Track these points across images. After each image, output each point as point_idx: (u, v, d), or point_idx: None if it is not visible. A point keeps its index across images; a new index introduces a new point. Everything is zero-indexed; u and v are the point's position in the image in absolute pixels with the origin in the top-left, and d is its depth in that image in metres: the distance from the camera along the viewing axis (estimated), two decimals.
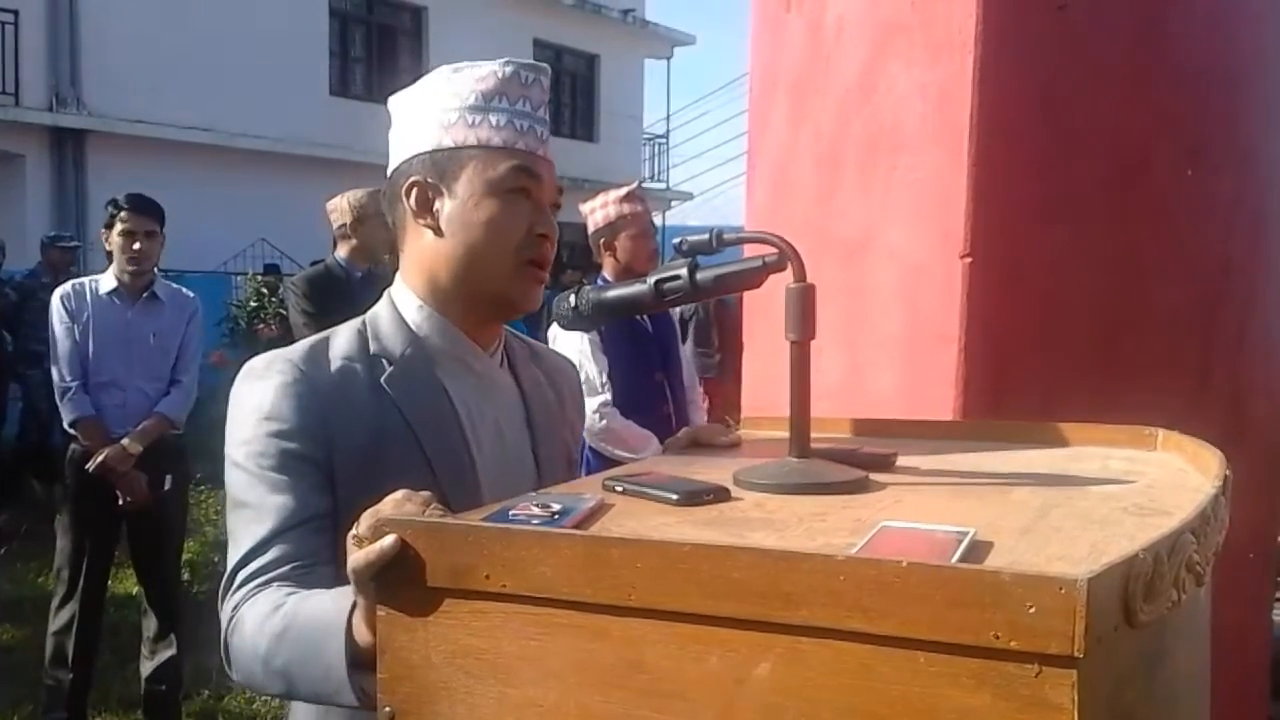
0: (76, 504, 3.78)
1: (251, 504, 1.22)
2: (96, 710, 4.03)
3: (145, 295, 3.88)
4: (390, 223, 1.39)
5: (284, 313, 9.13)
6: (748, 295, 2.05)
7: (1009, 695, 0.68)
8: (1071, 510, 0.98)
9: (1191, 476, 1.15)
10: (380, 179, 1.46)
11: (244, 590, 1.18)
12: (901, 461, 1.23)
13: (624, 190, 3.72)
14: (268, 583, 1.18)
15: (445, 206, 1.31)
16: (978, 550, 0.82)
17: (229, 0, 14.49)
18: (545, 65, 1.37)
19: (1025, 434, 1.42)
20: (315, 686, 1.08)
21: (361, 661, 1.01)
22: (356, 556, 0.91)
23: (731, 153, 24.43)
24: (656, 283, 1.27)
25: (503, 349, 1.42)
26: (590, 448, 3.55)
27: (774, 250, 1.17)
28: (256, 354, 1.34)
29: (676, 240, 1.25)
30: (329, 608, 1.07)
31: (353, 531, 0.95)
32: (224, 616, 1.20)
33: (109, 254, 3.88)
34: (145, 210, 3.85)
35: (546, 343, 3.66)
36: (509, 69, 1.32)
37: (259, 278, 10.84)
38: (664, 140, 24.32)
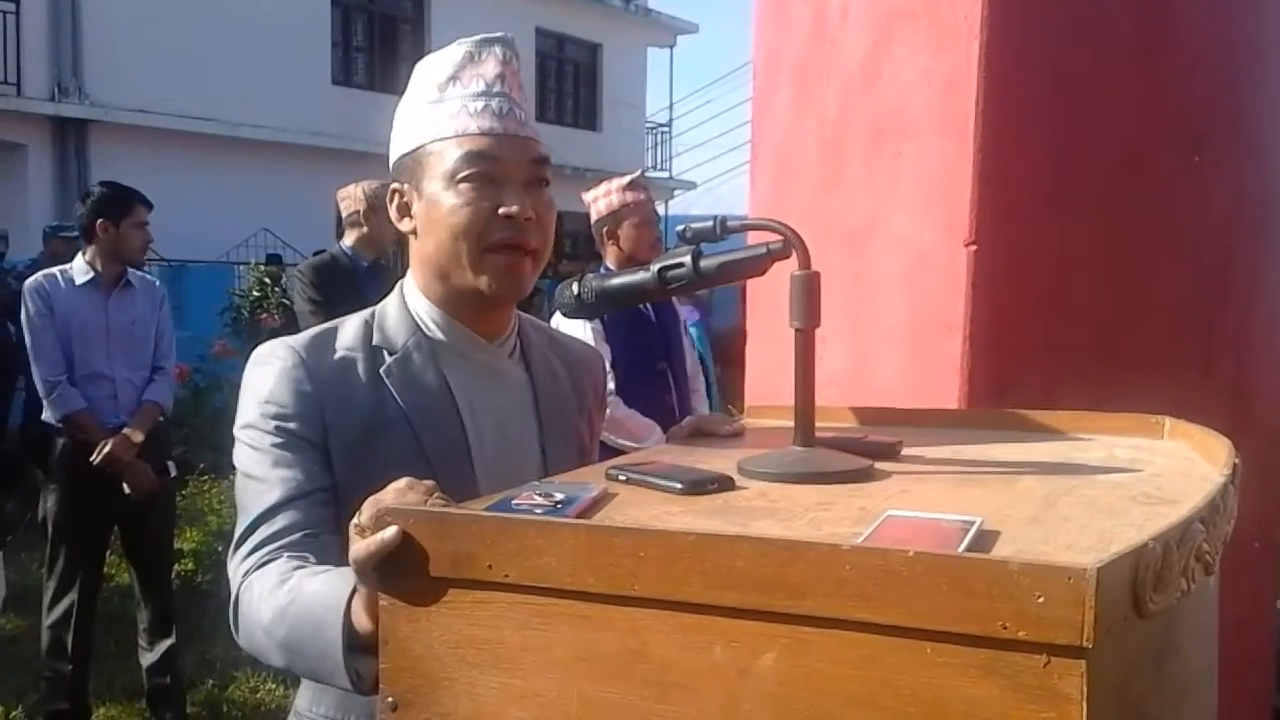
0: (70, 498, 3.73)
1: (258, 476, 1.25)
2: (100, 701, 4.03)
3: (120, 285, 3.86)
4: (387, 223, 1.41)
5: (286, 302, 9.13)
6: (751, 284, 2.04)
7: (1017, 686, 0.67)
8: (1078, 499, 0.97)
9: (1199, 465, 1.14)
10: (382, 168, 1.46)
11: (255, 556, 1.20)
12: (906, 450, 1.22)
13: (627, 178, 3.71)
14: (279, 549, 1.19)
15: (419, 210, 1.31)
16: (985, 539, 0.81)
17: None
18: (503, 35, 1.32)
19: (1031, 422, 1.41)
20: (313, 665, 1.09)
21: (358, 646, 1.02)
22: (358, 547, 0.90)
23: (734, 141, 24.42)
24: (660, 270, 1.26)
25: (516, 339, 1.41)
26: None
27: (778, 237, 1.16)
28: (259, 344, 1.35)
29: (680, 227, 1.24)
30: (331, 589, 1.07)
31: (355, 520, 0.94)
32: (234, 579, 1.21)
33: (86, 243, 3.82)
34: (147, 201, 3.89)
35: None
36: (460, 51, 1.30)
37: (261, 267, 10.83)
38: (667, 129, 24.29)
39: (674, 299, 3.79)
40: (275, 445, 1.25)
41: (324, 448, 1.25)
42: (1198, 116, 2.11)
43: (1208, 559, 0.80)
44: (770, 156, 2.41)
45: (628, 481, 1.09)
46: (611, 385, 3.46)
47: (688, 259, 1.24)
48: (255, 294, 9.93)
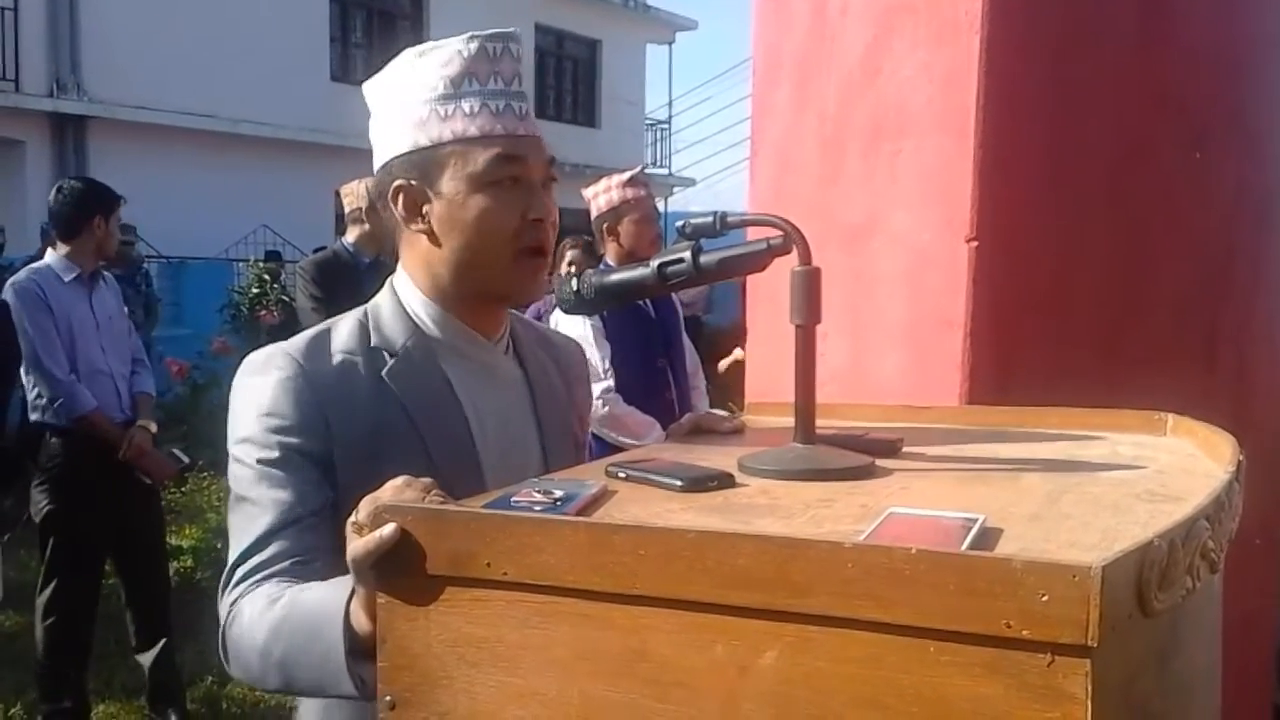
0: (66, 496, 3.70)
1: (251, 499, 1.21)
2: (99, 698, 4.03)
3: (97, 280, 3.86)
4: (385, 223, 1.36)
5: (285, 299, 9.13)
6: (751, 280, 2.04)
7: (1021, 685, 0.67)
8: (1082, 496, 0.97)
9: (1203, 462, 1.13)
10: None
11: (242, 586, 1.18)
12: (907, 447, 1.22)
13: (627, 174, 3.70)
14: (266, 578, 1.17)
15: (434, 209, 1.28)
16: (988, 537, 0.80)
17: None
18: (513, 30, 1.31)
19: (1032, 419, 1.40)
20: (314, 675, 1.07)
21: (360, 649, 1.00)
22: (356, 545, 0.90)
23: (734, 138, 24.40)
24: (659, 266, 1.25)
25: (508, 336, 1.40)
26: (593, 434, 3.54)
27: (778, 233, 1.15)
28: (258, 340, 1.33)
29: (680, 223, 1.24)
30: (327, 596, 1.06)
31: (352, 519, 0.93)
32: (222, 611, 1.19)
33: (67, 239, 3.77)
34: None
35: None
36: (473, 45, 1.27)
37: (260, 264, 10.83)
38: (666, 126, 24.29)
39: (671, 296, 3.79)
40: (273, 461, 1.21)
41: (327, 459, 1.22)
42: (1199, 111, 2.10)
43: (1213, 557, 0.80)
44: (770, 153, 2.40)
45: (628, 479, 1.08)
46: (611, 382, 3.46)
47: (687, 254, 1.23)
48: (254, 291, 9.94)
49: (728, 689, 0.75)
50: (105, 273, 3.96)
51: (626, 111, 21.64)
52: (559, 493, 0.96)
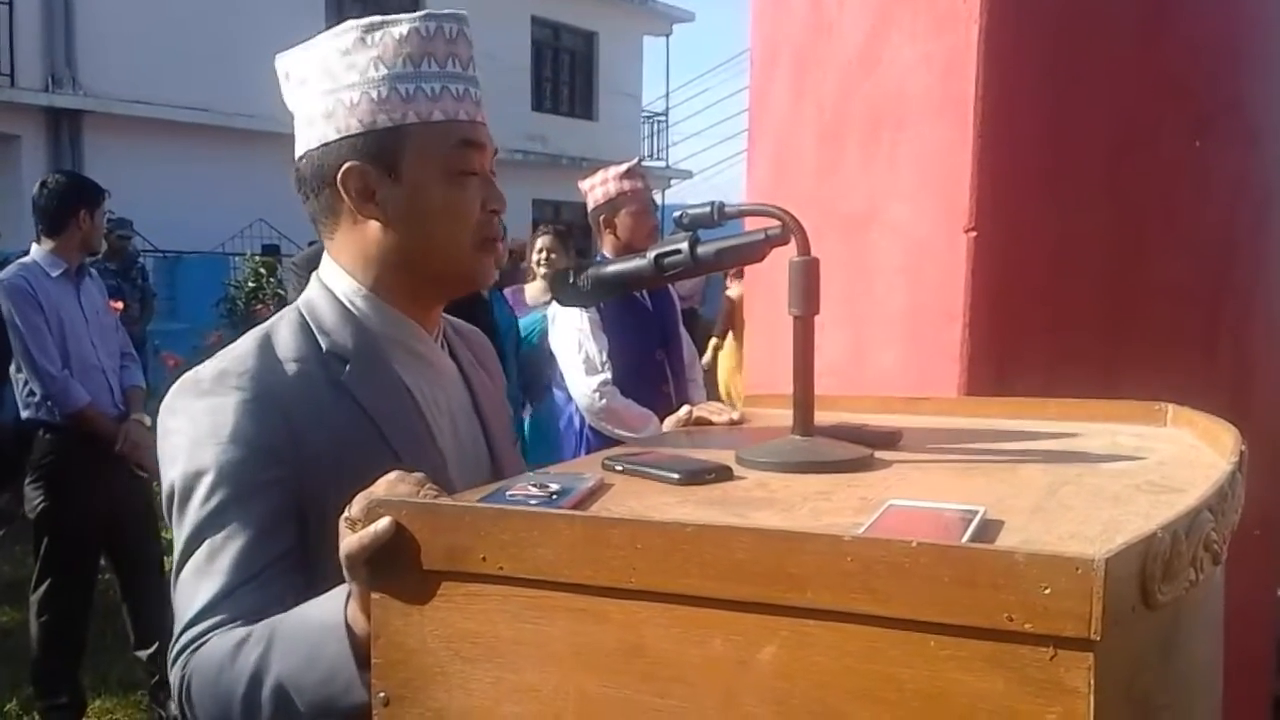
0: (59, 492, 3.68)
1: (205, 550, 1.11)
2: (96, 693, 4.03)
3: (84, 275, 3.85)
4: (313, 205, 1.27)
5: (282, 293, 9.12)
6: (749, 271, 2.03)
7: (1022, 679, 0.66)
8: (1082, 488, 0.96)
9: (1204, 453, 1.13)
10: None
11: (191, 648, 1.09)
12: (906, 439, 1.21)
13: (624, 166, 3.69)
14: (218, 634, 1.08)
15: (391, 194, 1.21)
16: (988, 529, 0.79)
17: None
18: (464, 13, 1.26)
19: (1032, 410, 1.39)
20: (318, 694, 1.00)
21: (366, 656, 0.93)
22: (350, 540, 0.88)
23: (731, 130, 24.37)
24: (656, 257, 1.24)
25: (441, 332, 1.35)
26: (590, 427, 3.53)
27: (776, 223, 1.14)
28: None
29: (677, 214, 1.22)
30: (318, 610, 1.01)
31: (345, 514, 0.92)
32: (174, 679, 1.10)
33: (53, 234, 3.76)
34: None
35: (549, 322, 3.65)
36: (430, 24, 1.21)
37: (257, 258, 10.82)
38: (663, 118, 24.25)
39: (666, 287, 3.78)
40: (236, 500, 1.11)
41: (293, 482, 1.14)
42: (1200, 100, 2.09)
43: (1216, 548, 0.79)
44: (768, 144, 2.39)
45: (624, 472, 1.07)
46: (608, 375, 3.45)
47: (685, 245, 1.22)
48: (251, 285, 9.94)
49: (726, 684, 0.75)
50: (91, 268, 3.95)
51: (623, 104, 21.62)
52: (555, 486, 0.95)
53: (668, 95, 24.65)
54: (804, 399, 1.11)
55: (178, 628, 1.11)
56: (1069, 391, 1.43)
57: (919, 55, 1.96)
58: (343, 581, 0.97)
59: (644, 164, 3.98)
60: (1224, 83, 2.13)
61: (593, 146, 18.78)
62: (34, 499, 3.72)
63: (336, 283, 1.27)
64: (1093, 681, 0.64)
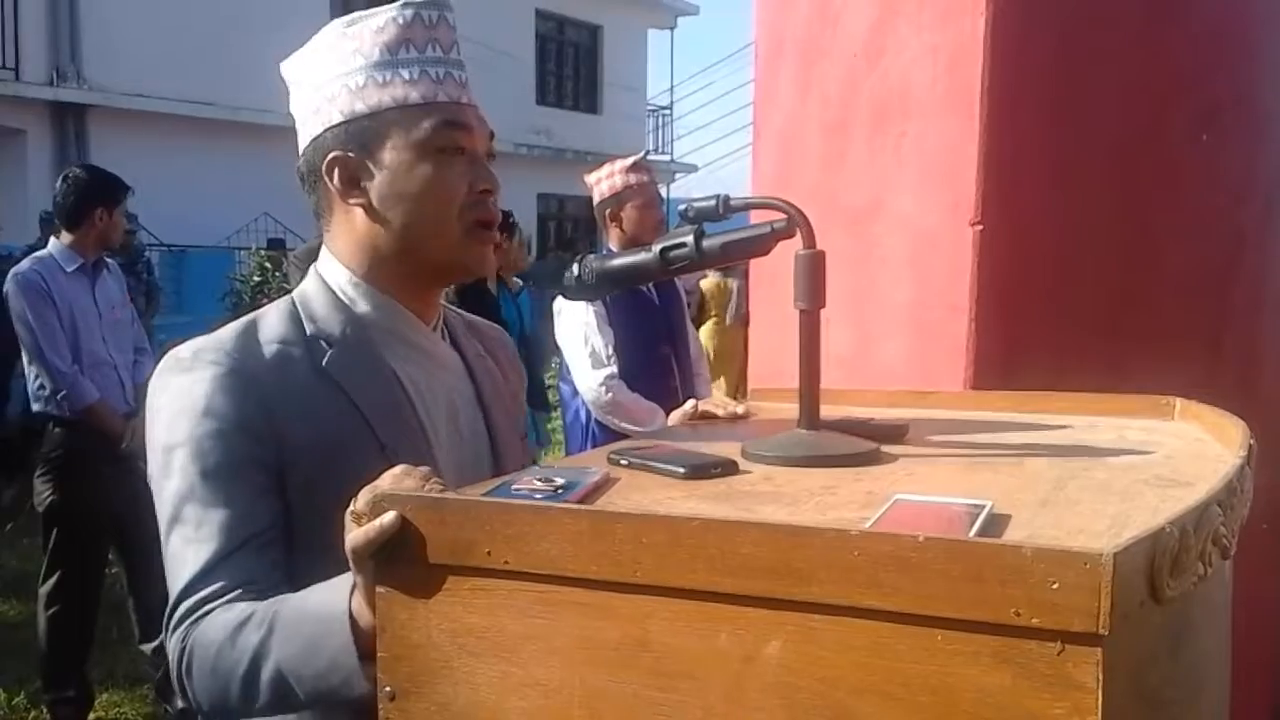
0: (67, 487, 3.68)
1: (189, 519, 1.13)
2: (103, 687, 4.03)
3: (100, 269, 3.84)
4: (313, 200, 1.28)
5: (287, 287, 9.12)
6: (754, 265, 2.02)
7: (1030, 674, 0.65)
8: (1089, 482, 0.95)
9: (1211, 446, 1.12)
10: None
11: (191, 620, 1.09)
12: (913, 433, 1.21)
13: (630, 160, 3.68)
14: (219, 607, 1.08)
15: (374, 180, 1.21)
16: (996, 524, 0.79)
17: None
18: (447, 1, 1.26)
19: (1038, 404, 1.39)
20: (318, 684, 1.00)
21: (368, 649, 0.94)
22: (355, 534, 0.88)
23: (736, 124, 24.33)
24: (662, 250, 1.23)
25: (442, 323, 1.34)
26: (596, 421, 3.53)
27: (782, 216, 1.14)
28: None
29: (682, 207, 1.22)
30: (323, 600, 1.01)
31: (351, 508, 0.92)
32: (171, 650, 1.11)
33: (71, 229, 3.75)
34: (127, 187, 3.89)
35: (552, 314, 3.64)
36: (408, 12, 1.21)
37: (262, 252, 10.82)
38: (668, 112, 24.24)
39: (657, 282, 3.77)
40: (214, 471, 1.12)
41: (274, 463, 1.14)
42: (1207, 93, 2.08)
43: (1225, 543, 0.79)
44: (773, 137, 2.38)
45: (630, 466, 1.07)
46: (614, 369, 3.45)
47: (690, 238, 1.21)
48: (256, 279, 9.94)
49: (732, 678, 0.74)
50: (109, 260, 3.94)
51: (628, 97, 21.58)
52: (560, 480, 0.95)
53: (672, 89, 24.75)
54: (810, 393, 1.11)
55: (173, 594, 1.12)
56: (1075, 385, 1.43)
57: (925, 47, 1.96)
58: (334, 568, 0.97)
59: (649, 158, 3.97)
60: (1231, 76, 2.12)
61: (597, 140, 18.76)
62: (42, 492, 3.72)
63: (331, 272, 1.27)
64: (1101, 676, 0.64)
